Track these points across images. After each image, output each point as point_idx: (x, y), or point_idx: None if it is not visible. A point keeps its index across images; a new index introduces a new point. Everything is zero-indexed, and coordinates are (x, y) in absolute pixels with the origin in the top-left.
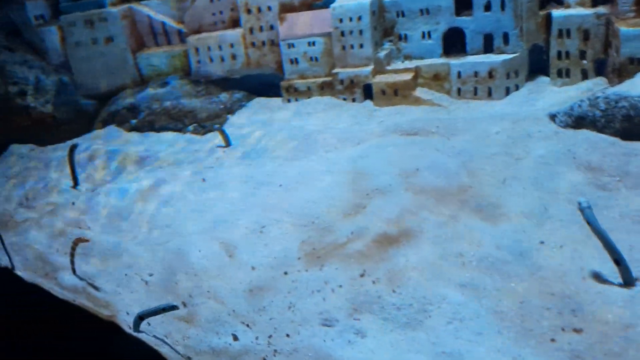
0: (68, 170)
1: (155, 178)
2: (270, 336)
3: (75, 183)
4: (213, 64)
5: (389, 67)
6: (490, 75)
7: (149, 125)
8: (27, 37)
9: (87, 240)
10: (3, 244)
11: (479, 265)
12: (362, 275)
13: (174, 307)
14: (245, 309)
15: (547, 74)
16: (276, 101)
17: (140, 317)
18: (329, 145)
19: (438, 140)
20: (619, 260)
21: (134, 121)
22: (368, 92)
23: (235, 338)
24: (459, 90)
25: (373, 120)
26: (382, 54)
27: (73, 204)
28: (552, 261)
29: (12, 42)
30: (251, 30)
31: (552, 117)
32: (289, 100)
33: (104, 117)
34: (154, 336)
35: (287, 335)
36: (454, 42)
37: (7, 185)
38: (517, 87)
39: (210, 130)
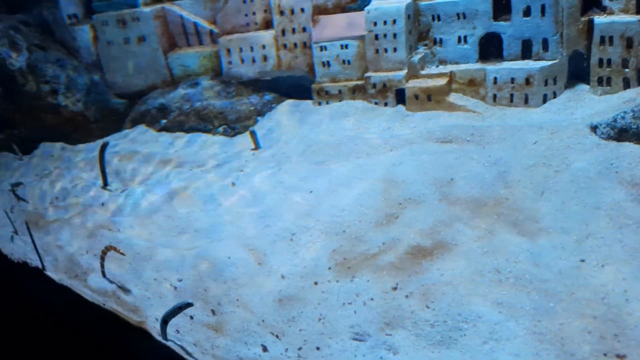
0: (98, 169)
1: (184, 180)
2: (300, 348)
3: (105, 183)
4: (244, 65)
5: (422, 72)
6: (528, 81)
7: (179, 126)
8: (60, 36)
9: (121, 253)
10: (34, 243)
11: (516, 282)
12: (394, 289)
13: (189, 305)
14: (274, 319)
15: (587, 82)
16: (307, 104)
17: (164, 321)
18: (360, 151)
19: (473, 149)
20: None
21: (163, 121)
22: (401, 97)
23: (265, 349)
24: (494, 96)
25: (406, 125)
26: (416, 58)
27: (103, 204)
28: (593, 281)
29: (44, 41)
30: (283, 32)
31: (593, 128)
32: (319, 104)
33: (134, 117)
34: (181, 347)
35: (317, 349)
36: (490, 48)
37: (37, 184)
38: (555, 95)
39: (240, 132)
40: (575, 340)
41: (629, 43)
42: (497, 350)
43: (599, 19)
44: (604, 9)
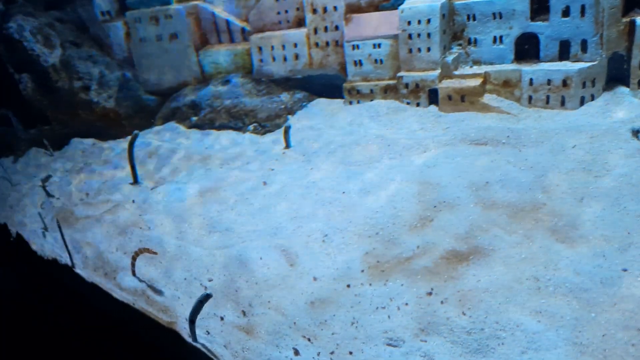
0: (128, 165)
1: (215, 178)
2: (332, 352)
3: (135, 179)
4: (275, 63)
5: (456, 72)
6: (565, 83)
7: (209, 123)
8: (93, 33)
9: (154, 253)
10: (64, 240)
11: (556, 291)
12: (429, 294)
13: (208, 296)
14: (306, 322)
15: (626, 85)
16: (338, 103)
17: (191, 321)
18: (393, 152)
19: (509, 152)
20: None
21: (194, 118)
22: (433, 97)
23: (297, 353)
24: (529, 98)
25: (438, 126)
26: (450, 58)
27: (133, 201)
28: (636, 291)
29: (78, 38)
30: (315, 31)
31: (635, 132)
32: (351, 103)
33: (164, 114)
34: (209, 350)
35: (350, 353)
36: (526, 48)
37: (68, 180)
38: (592, 97)
39: (270, 131)
40: (619, 353)
41: None
42: None
43: None
44: None
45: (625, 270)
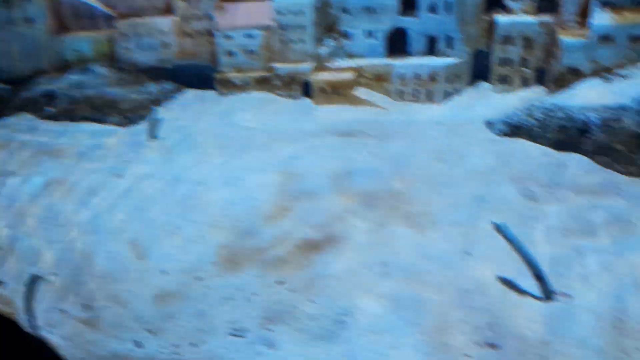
0: None
1: (66, 172)
2: (175, 345)
3: None
4: (142, 52)
5: (330, 65)
6: (432, 78)
7: (68, 115)
8: None
9: None
10: None
11: (401, 275)
12: (279, 283)
13: (38, 278)
14: (151, 315)
15: (488, 80)
16: (209, 94)
17: (27, 309)
18: (262, 143)
19: (374, 143)
20: (539, 275)
21: (50, 109)
22: (307, 89)
23: (139, 345)
24: (399, 92)
25: (310, 119)
26: (323, 50)
27: None
28: (474, 272)
29: None
30: (185, 19)
31: (489, 124)
32: (223, 94)
33: (18, 104)
34: (52, 341)
35: (193, 345)
36: (399, 43)
37: None
38: (457, 92)
39: (134, 122)
40: (452, 331)
41: (529, 43)
42: (375, 343)
43: (501, 19)
44: (506, 9)
45: (468, 253)
